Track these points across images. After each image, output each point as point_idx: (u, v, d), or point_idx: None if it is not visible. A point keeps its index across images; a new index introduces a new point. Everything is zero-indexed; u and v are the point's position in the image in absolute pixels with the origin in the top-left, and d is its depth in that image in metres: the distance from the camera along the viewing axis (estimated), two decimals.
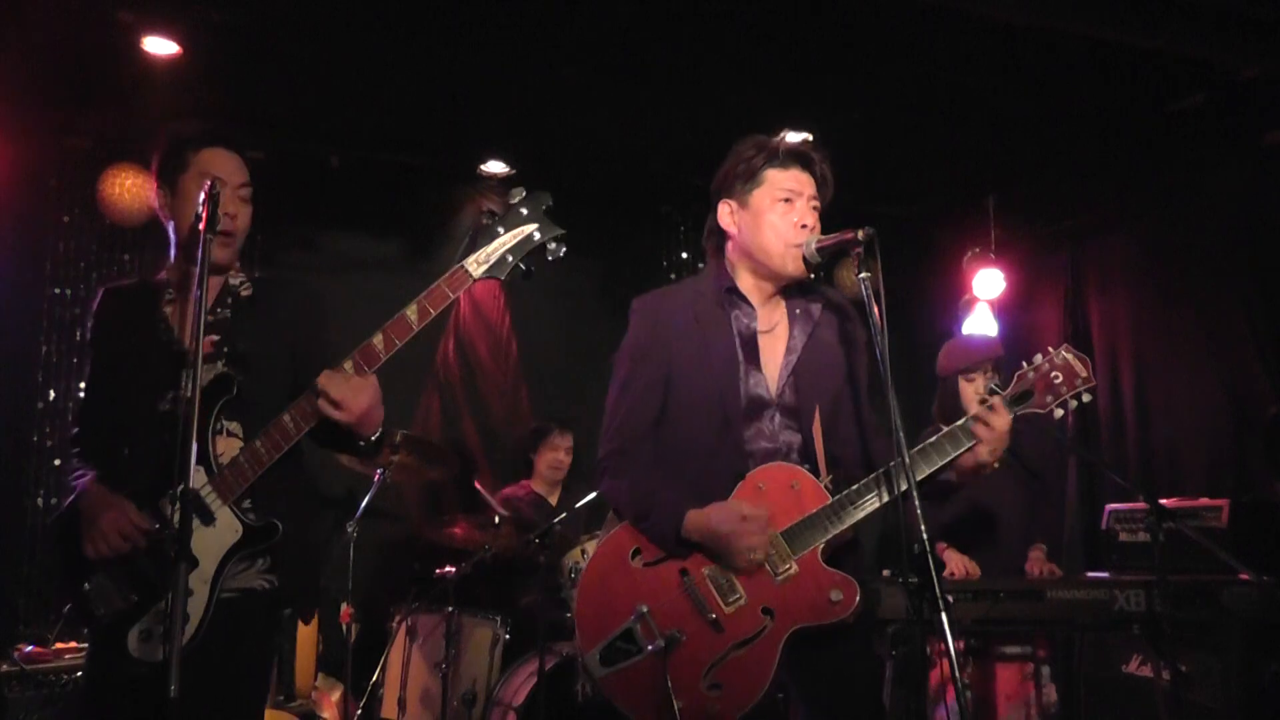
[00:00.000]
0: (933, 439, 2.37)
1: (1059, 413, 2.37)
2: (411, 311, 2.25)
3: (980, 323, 6.24)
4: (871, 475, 2.35)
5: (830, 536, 2.33)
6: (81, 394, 2.64)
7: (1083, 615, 3.82)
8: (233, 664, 2.30)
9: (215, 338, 2.42)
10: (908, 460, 2.16)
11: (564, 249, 2.27)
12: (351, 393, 2.22)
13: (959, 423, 2.37)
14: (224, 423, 2.35)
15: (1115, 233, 6.12)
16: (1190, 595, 3.78)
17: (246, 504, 2.31)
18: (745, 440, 2.44)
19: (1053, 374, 2.37)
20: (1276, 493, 4.76)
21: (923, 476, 2.34)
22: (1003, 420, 2.34)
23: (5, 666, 3.89)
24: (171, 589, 2.00)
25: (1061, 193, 6.09)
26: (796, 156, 2.50)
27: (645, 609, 2.34)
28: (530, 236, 2.26)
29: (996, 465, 2.39)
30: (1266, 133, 5.06)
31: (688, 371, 2.47)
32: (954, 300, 6.45)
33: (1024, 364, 2.40)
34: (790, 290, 2.56)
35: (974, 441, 2.34)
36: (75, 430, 2.57)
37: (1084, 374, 2.37)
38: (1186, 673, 3.79)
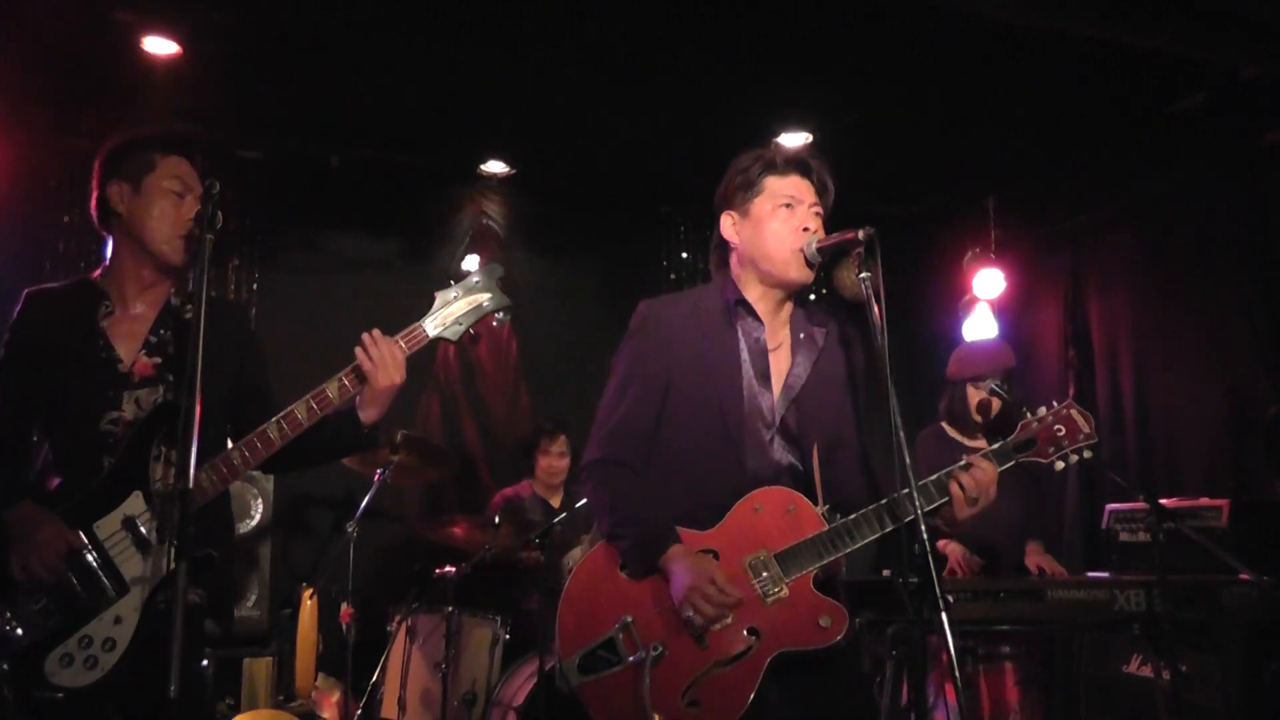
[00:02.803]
0: (931, 480, 2.34)
1: (1060, 465, 2.41)
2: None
3: (980, 323, 6.24)
4: (870, 507, 2.33)
5: (824, 563, 2.32)
6: None
7: (1083, 615, 3.82)
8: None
9: (158, 360, 2.41)
10: (909, 461, 2.15)
11: (508, 318, 2.48)
12: (394, 361, 2.35)
13: (937, 475, 2.34)
14: (162, 449, 2.31)
15: (1115, 233, 6.11)
16: (1190, 595, 3.78)
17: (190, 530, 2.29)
18: (743, 457, 2.42)
19: (1056, 427, 2.40)
20: (1276, 493, 4.77)
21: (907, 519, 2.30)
22: (985, 474, 2.32)
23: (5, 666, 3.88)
24: (172, 588, 1.98)
25: (1061, 193, 6.09)
26: (795, 164, 2.50)
27: (630, 619, 2.32)
28: (481, 305, 2.44)
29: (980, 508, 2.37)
30: (1266, 133, 5.06)
31: (689, 382, 2.44)
32: (954, 300, 6.45)
33: (1028, 413, 2.43)
34: (795, 309, 2.55)
35: (946, 498, 2.32)
36: None
37: (1086, 430, 2.40)
38: (1186, 673, 3.78)
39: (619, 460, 2.44)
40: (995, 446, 2.41)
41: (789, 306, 2.54)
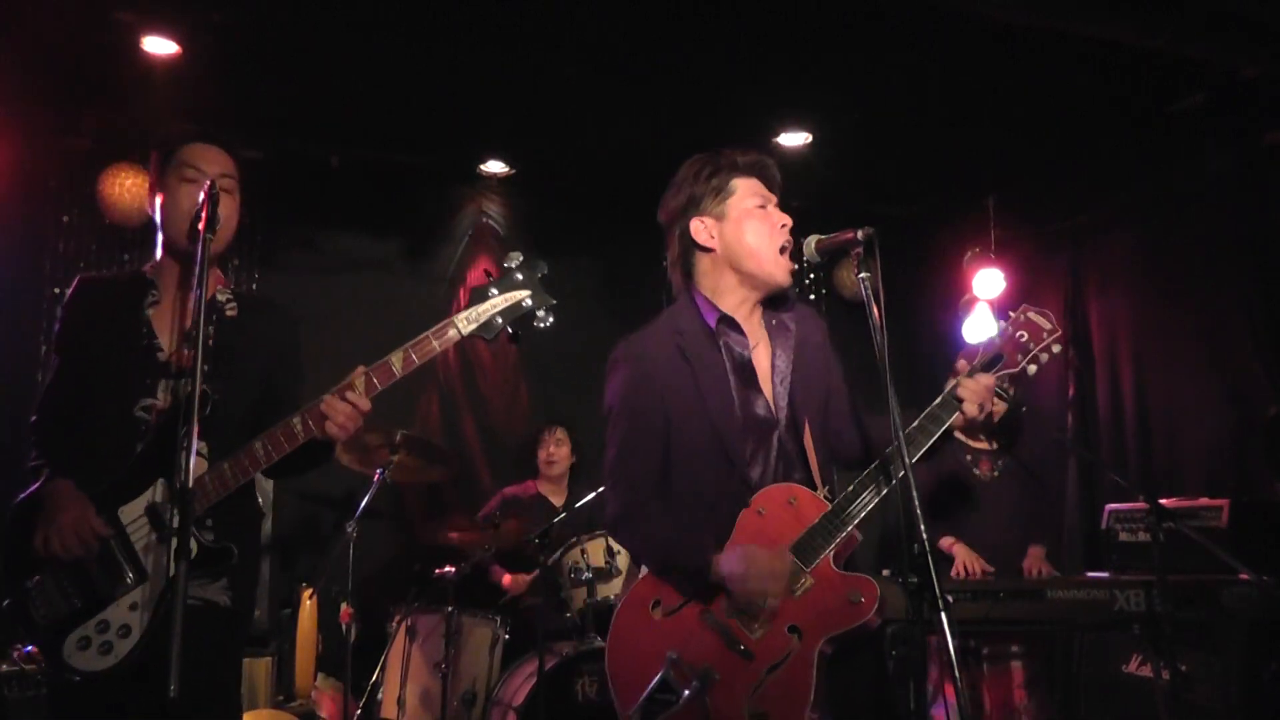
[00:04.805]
0: (922, 417, 2.38)
1: (1032, 369, 2.42)
2: (396, 359, 2.28)
3: (980, 323, 6.24)
4: (865, 471, 2.35)
5: (838, 541, 2.32)
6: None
7: (1083, 615, 3.82)
8: (204, 673, 2.25)
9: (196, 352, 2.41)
10: (909, 463, 2.15)
11: (552, 318, 2.32)
12: (355, 416, 2.27)
13: (942, 396, 2.39)
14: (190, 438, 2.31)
15: (1115, 233, 6.11)
16: (1190, 595, 3.79)
17: (208, 523, 2.30)
18: (751, 473, 2.42)
19: (1018, 334, 2.43)
20: (1276, 493, 4.77)
21: (921, 452, 2.36)
22: (985, 379, 2.39)
23: (5, 666, 3.89)
24: (172, 587, 1.99)
25: (1061, 193, 6.09)
26: (753, 166, 2.53)
27: (675, 655, 2.30)
28: (521, 303, 2.30)
29: (986, 416, 2.41)
30: (1266, 133, 5.06)
31: (686, 416, 2.43)
32: (954, 300, 6.45)
33: (988, 334, 2.47)
34: (763, 301, 2.55)
35: (958, 408, 2.37)
36: (35, 418, 2.50)
37: (1049, 326, 2.43)
38: (1186, 673, 3.78)
39: (641, 504, 2.43)
40: (965, 373, 2.42)
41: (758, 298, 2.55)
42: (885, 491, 2.33)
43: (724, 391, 2.44)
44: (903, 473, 2.17)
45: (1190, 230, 5.57)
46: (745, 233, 2.47)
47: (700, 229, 2.52)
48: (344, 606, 4.56)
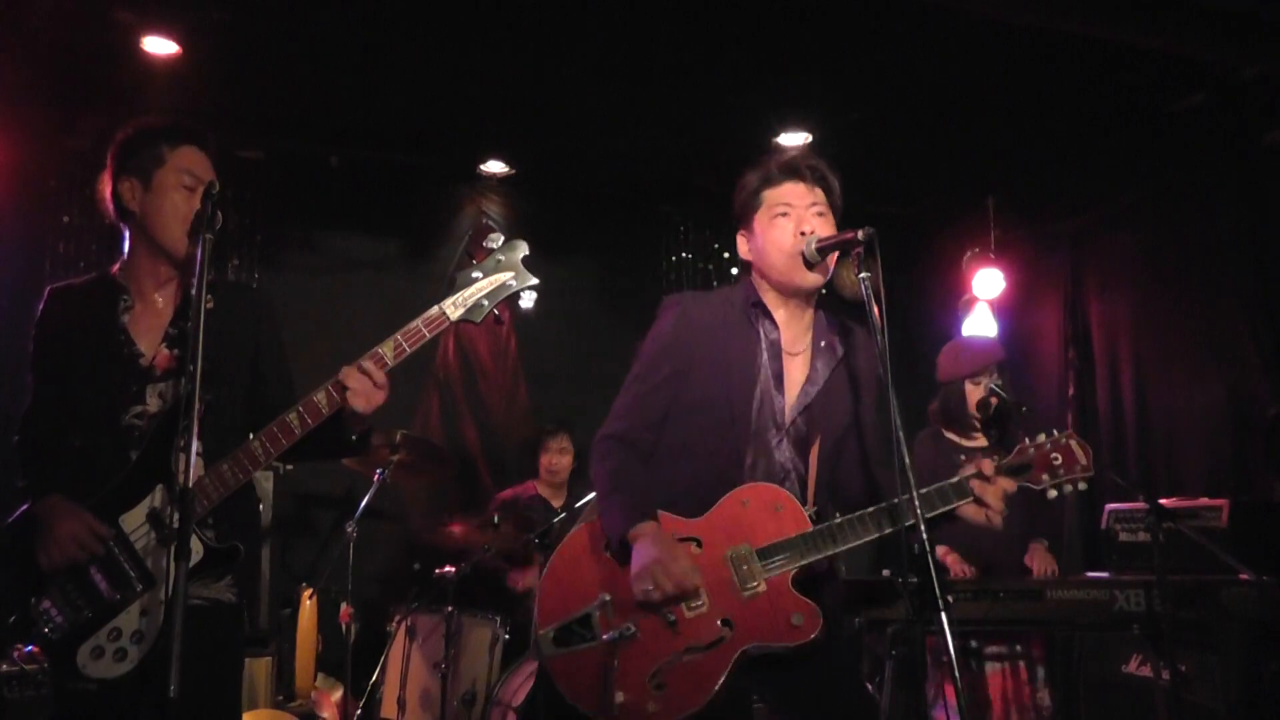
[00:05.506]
0: (931, 489, 2.35)
1: (1053, 494, 2.38)
2: (387, 349, 2.30)
3: (980, 323, 6.24)
4: (856, 514, 2.34)
5: (803, 563, 2.32)
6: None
7: (1083, 615, 3.82)
8: (210, 670, 2.27)
9: (178, 352, 2.40)
10: (909, 462, 2.15)
11: (535, 296, 2.31)
12: (375, 387, 2.29)
13: (958, 479, 2.37)
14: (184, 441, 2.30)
15: (1115, 233, 6.12)
16: (1190, 595, 3.78)
17: (210, 521, 2.30)
18: (745, 452, 2.44)
19: (1053, 455, 2.38)
20: (1276, 493, 4.76)
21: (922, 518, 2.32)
22: (1007, 484, 2.36)
23: (5, 666, 3.89)
24: (172, 588, 1.99)
25: (1061, 193, 6.09)
26: (787, 169, 2.51)
27: (608, 598, 2.35)
28: (506, 284, 2.32)
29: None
30: (1266, 133, 5.06)
31: (706, 376, 2.46)
32: (954, 300, 6.44)
33: (1026, 440, 2.41)
34: (818, 315, 2.56)
35: (970, 499, 2.35)
36: (18, 438, 2.48)
37: (1084, 462, 2.37)
38: (1186, 673, 3.79)
39: (629, 440, 2.47)
40: (990, 470, 2.39)
41: (810, 313, 2.55)
42: (875, 537, 2.32)
43: (752, 370, 2.46)
44: (905, 475, 2.17)
45: (1190, 230, 5.57)
46: (766, 246, 2.48)
47: (742, 244, 2.59)
48: (344, 606, 4.57)
